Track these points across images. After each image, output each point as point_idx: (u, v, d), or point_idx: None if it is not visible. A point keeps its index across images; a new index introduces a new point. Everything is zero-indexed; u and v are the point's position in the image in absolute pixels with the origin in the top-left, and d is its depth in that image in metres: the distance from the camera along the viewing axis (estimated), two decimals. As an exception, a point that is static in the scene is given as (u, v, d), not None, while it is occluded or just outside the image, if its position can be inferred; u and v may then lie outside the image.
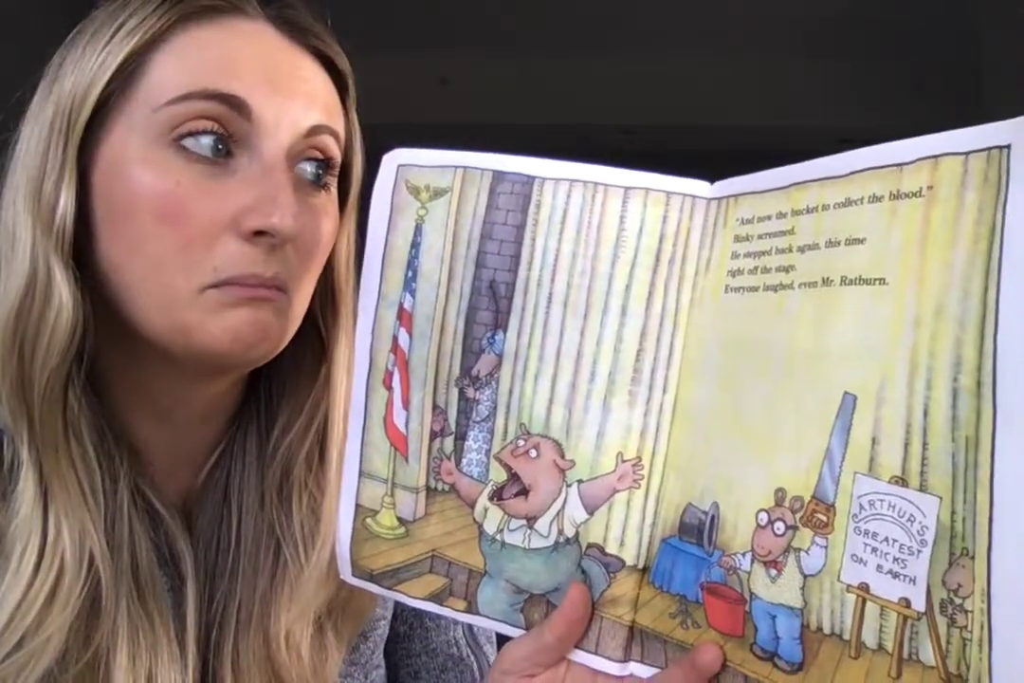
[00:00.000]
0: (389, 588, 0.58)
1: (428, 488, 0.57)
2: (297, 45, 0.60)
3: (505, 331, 0.55)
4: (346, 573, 0.59)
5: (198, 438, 0.65)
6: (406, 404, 0.57)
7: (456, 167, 0.56)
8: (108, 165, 0.56)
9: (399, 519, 0.58)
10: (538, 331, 0.54)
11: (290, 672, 0.61)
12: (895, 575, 0.43)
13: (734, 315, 0.51)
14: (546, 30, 3.61)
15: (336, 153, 0.61)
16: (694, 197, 0.53)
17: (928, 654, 0.42)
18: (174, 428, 0.63)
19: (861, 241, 0.45)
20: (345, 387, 0.63)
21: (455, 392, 0.56)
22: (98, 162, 0.56)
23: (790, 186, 0.49)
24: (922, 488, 0.42)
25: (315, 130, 0.59)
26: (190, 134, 0.55)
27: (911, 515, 0.42)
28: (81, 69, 0.56)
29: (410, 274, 0.56)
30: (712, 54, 3.73)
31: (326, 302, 0.64)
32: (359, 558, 0.59)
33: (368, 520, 0.58)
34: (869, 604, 0.44)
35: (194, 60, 0.56)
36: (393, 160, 0.57)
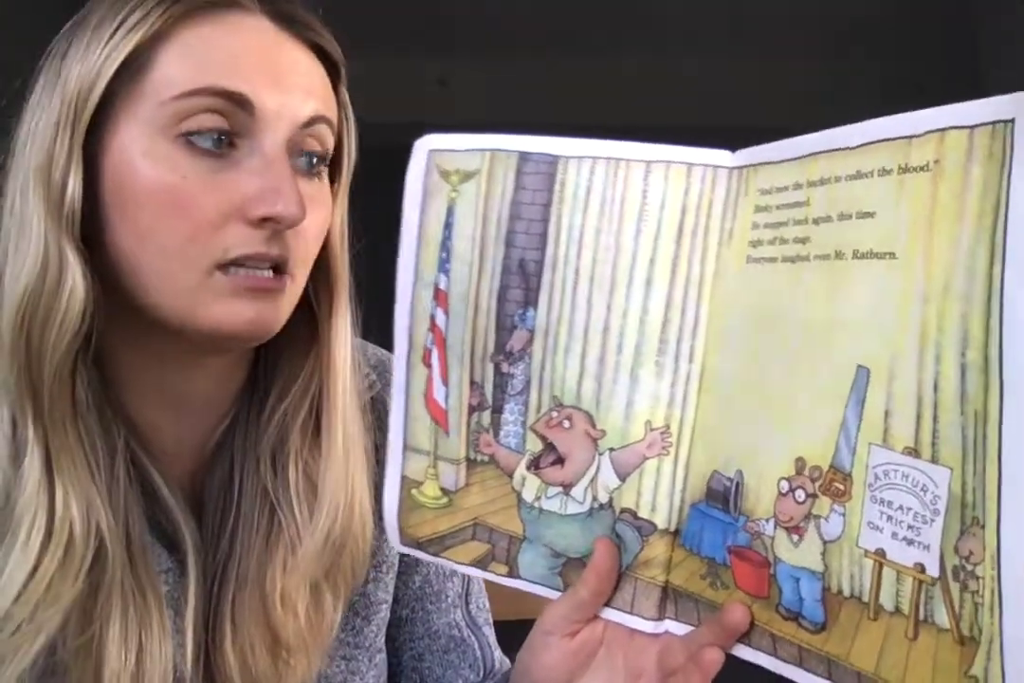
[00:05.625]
0: (436, 555, 0.61)
1: (468, 459, 0.59)
2: (294, 38, 0.61)
3: (536, 307, 0.56)
4: (395, 541, 0.63)
5: (203, 418, 0.66)
6: (445, 380, 0.59)
7: (484, 150, 0.57)
8: (116, 156, 0.58)
9: (442, 489, 0.60)
10: (567, 306, 0.56)
11: (286, 629, 0.63)
12: (910, 542, 0.44)
13: (755, 286, 0.52)
14: (546, 30, 3.56)
15: (330, 143, 0.63)
16: (716, 167, 0.54)
17: (943, 617, 0.43)
18: (180, 411, 0.65)
19: (871, 215, 0.46)
20: (342, 361, 0.65)
21: (490, 367, 0.58)
22: (107, 152, 0.58)
23: (807, 156, 0.50)
24: (934, 460, 0.43)
25: (312, 121, 0.60)
26: (197, 131, 0.57)
27: (924, 485, 0.44)
28: (86, 62, 0.57)
29: (444, 255, 0.58)
30: (712, 54, 3.65)
31: (321, 281, 0.65)
32: (406, 527, 0.62)
33: (413, 491, 0.61)
34: (886, 569, 0.45)
35: (199, 57, 0.58)
36: (424, 145, 0.59)
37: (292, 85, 0.59)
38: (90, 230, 0.58)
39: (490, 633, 0.79)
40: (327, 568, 0.64)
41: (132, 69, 0.57)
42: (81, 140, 0.57)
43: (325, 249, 0.64)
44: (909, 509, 0.44)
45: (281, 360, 0.66)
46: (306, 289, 0.63)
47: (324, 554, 0.63)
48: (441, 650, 0.77)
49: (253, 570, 0.63)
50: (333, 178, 0.65)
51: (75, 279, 0.56)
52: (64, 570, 0.55)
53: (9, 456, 0.57)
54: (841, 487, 0.47)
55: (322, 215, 0.62)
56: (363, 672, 0.71)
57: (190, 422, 0.66)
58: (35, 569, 0.55)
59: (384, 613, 0.74)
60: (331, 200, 0.64)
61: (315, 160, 0.61)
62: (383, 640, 0.74)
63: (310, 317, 0.65)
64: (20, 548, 0.55)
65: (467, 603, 0.78)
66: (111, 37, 0.57)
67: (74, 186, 0.57)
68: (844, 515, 0.47)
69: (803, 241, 0.49)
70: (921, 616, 0.44)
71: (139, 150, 0.57)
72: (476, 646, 0.77)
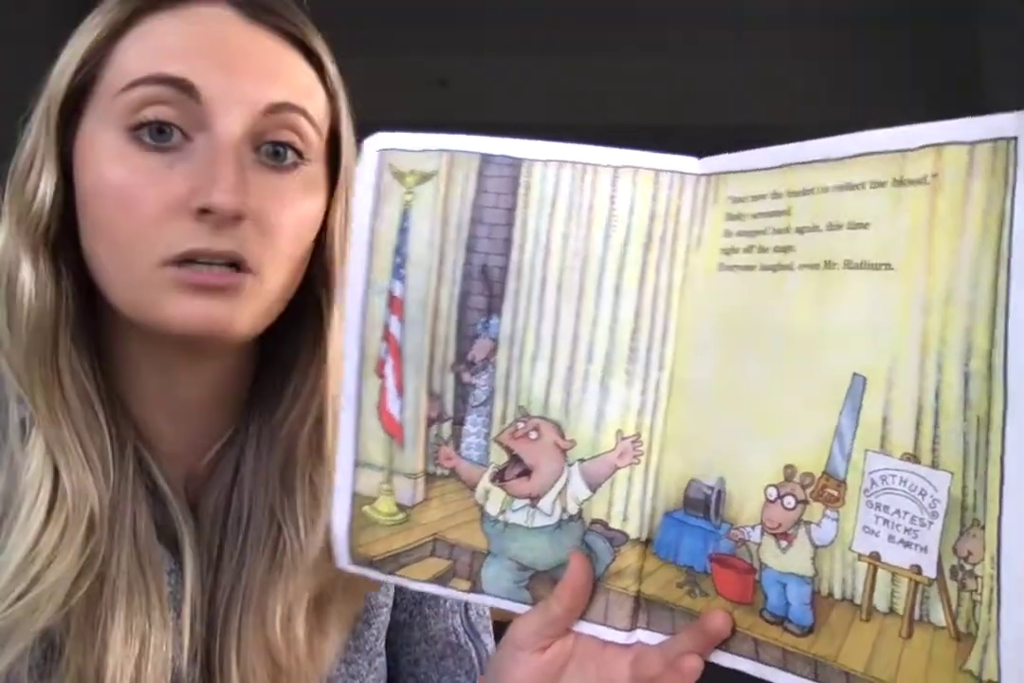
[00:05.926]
0: (390, 573, 0.58)
1: (427, 473, 0.57)
2: (258, 25, 0.60)
3: (500, 315, 0.55)
4: (343, 561, 0.59)
5: (204, 425, 0.65)
6: (401, 391, 0.56)
7: (442, 151, 0.54)
8: (81, 152, 0.59)
9: (398, 505, 0.58)
10: (533, 314, 0.54)
11: (285, 654, 0.62)
12: (906, 544, 0.45)
13: (729, 293, 0.52)
14: (545, 30, 3.56)
15: (307, 131, 0.60)
16: (683, 174, 0.53)
17: (938, 615, 0.45)
18: (177, 414, 0.64)
19: (864, 226, 0.46)
20: (336, 369, 0.63)
21: (451, 378, 0.56)
22: (75, 150, 0.59)
23: (782, 166, 0.50)
24: (934, 465, 0.44)
25: (277, 107, 0.58)
26: (147, 124, 0.57)
27: (922, 489, 0.45)
28: (59, 62, 0.59)
29: (399, 260, 0.55)
30: (712, 54, 3.70)
31: (320, 286, 0.64)
32: (357, 545, 0.58)
33: (366, 508, 0.58)
34: (880, 571, 0.46)
35: (150, 47, 0.58)
36: (374, 145, 0.56)
37: (246, 69, 0.57)
38: (72, 227, 0.60)
39: (489, 641, 0.77)
40: (326, 586, 0.63)
41: (92, 64, 0.58)
42: (54, 138, 0.58)
43: (323, 248, 0.62)
44: (906, 513, 0.45)
45: (287, 368, 0.65)
46: (314, 294, 0.62)
47: (314, 572, 0.62)
48: (437, 656, 0.75)
49: (256, 594, 0.62)
50: (333, 173, 0.64)
51: (25, 281, 0.58)
52: (60, 547, 0.56)
53: (20, 438, 0.59)
54: (834, 493, 0.47)
55: (295, 210, 0.59)
56: (363, 676, 0.70)
57: (189, 426, 0.65)
58: (36, 542, 0.56)
59: (384, 617, 0.72)
60: (319, 196, 0.62)
61: (286, 151, 0.59)
62: (383, 644, 0.73)
63: (316, 320, 0.63)
64: (23, 520, 0.57)
65: (467, 609, 0.77)
66: (80, 37, 0.59)
67: (45, 185, 0.58)
68: (837, 520, 0.47)
69: (785, 250, 0.50)
70: (916, 615, 0.45)
71: (99, 146, 0.58)
72: (473, 653, 0.75)
